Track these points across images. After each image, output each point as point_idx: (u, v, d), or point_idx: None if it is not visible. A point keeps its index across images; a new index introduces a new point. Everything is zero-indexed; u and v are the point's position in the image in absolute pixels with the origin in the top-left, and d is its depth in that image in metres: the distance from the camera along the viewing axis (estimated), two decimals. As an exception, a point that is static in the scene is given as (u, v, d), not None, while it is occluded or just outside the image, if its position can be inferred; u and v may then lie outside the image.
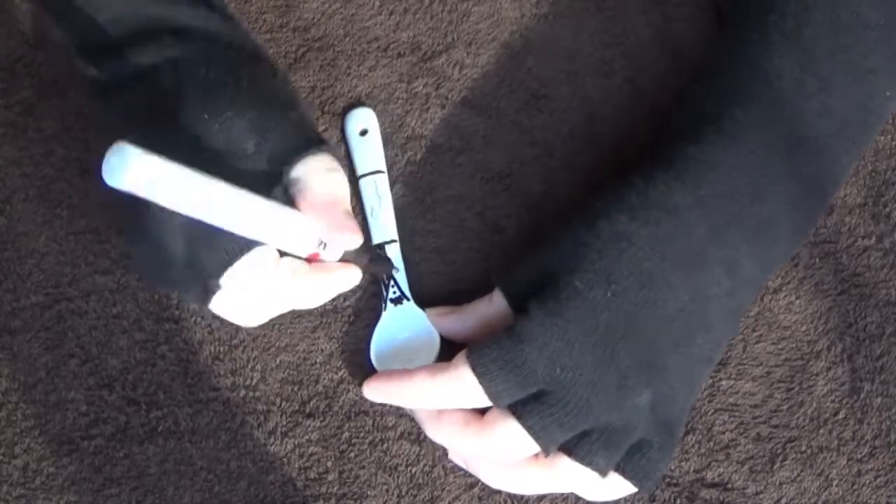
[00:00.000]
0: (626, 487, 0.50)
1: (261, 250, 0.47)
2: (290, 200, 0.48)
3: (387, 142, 0.58)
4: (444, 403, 0.50)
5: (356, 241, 0.50)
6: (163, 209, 0.43)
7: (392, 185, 0.57)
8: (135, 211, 0.47)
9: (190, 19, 0.50)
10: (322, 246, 0.49)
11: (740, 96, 0.51)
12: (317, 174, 0.49)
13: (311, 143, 0.50)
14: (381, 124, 0.58)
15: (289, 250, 0.48)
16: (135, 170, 0.40)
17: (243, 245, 0.47)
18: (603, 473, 0.49)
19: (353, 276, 0.51)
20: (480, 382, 0.48)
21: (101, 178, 0.41)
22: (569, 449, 0.49)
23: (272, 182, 0.48)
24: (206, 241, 0.46)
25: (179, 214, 0.44)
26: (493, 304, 0.52)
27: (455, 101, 0.58)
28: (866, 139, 0.53)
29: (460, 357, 0.49)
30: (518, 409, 0.48)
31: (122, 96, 0.49)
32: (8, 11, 0.59)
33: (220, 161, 0.47)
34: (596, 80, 0.59)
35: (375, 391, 0.52)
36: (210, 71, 0.49)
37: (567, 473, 0.49)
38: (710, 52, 0.56)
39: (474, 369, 0.48)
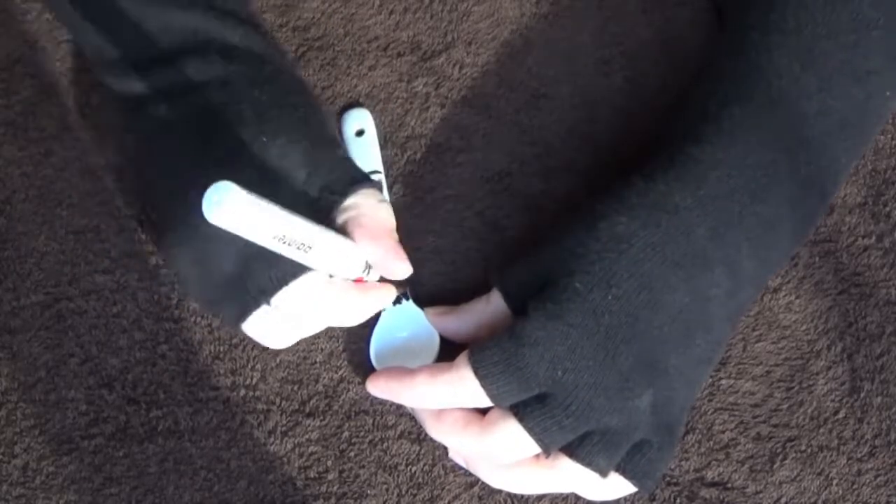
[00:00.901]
0: (626, 487, 0.50)
1: (314, 273, 0.49)
2: (340, 230, 0.50)
3: (386, 141, 0.58)
4: (446, 403, 0.50)
5: (409, 270, 0.52)
6: (224, 234, 0.44)
7: (392, 184, 0.57)
8: (189, 230, 0.48)
9: (238, 38, 0.52)
10: (367, 271, 0.51)
11: (740, 96, 0.51)
12: (370, 205, 0.51)
13: (360, 176, 0.52)
14: (381, 124, 0.58)
15: (339, 275, 0.50)
16: (234, 208, 0.42)
17: (297, 268, 0.48)
18: (604, 474, 0.49)
19: (390, 294, 0.53)
20: (482, 384, 0.48)
21: (191, 201, 0.43)
22: (570, 450, 0.49)
23: (319, 212, 0.50)
24: (260, 262, 0.48)
25: (240, 240, 0.45)
26: (492, 304, 0.52)
27: (455, 101, 0.58)
28: (866, 139, 0.53)
29: (462, 358, 0.49)
30: (519, 411, 0.48)
31: (173, 108, 0.50)
32: (8, 11, 0.59)
33: (278, 185, 0.49)
34: (596, 80, 0.59)
35: (378, 387, 0.52)
36: (262, 94, 0.51)
37: (568, 474, 0.49)
38: (709, 51, 0.56)
39: (476, 371, 0.48)
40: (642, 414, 0.48)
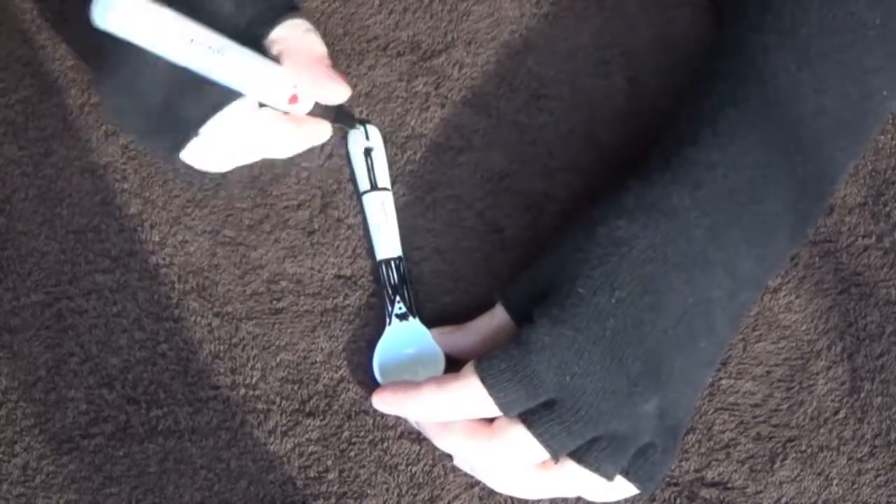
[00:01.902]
0: (628, 489, 0.50)
1: (241, 101, 0.50)
2: (273, 59, 0.51)
3: (386, 141, 0.58)
4: (453, 414, 0.50)
5: (345, 91, 0.53)
6: (145, 56, 0.45)
7: (392, 184, 0.57)
8: (116, 56, 0.48)
9: None
10: (294, 100, 0.51)
11: (736, 97, 0.51)
12: (297, 34, 0.52)
13: (287, 6, 0.52)
14: (381, 124, 0.58)
15: (267, 100, 0.50)
16: (123, 9, 0.42)
17: (225, 96, 0.49)
18: (610, 479, 0.49)
19: (324, 130, 0.54)
20: (490, 393, 0.48)
21: (86, 19, 0.42)
22: (578, 456, 0.49)
23: (249, 43, 0.50)
24: (187, 91, 0.49)
25: (162, 63, 0.46)
26: (496, 319, 0.52)
27: (455, 101, 0.58)
28: (864, 139, 0.53)
29: (469, 368, 0.49)
30: (528, 418, 0.48)
31: None
32: (8, 11, 0.59)
33: (199, 16, 0.49)
34: (596, 80, 0.59)
35: (385, 400, 0.52)
36: None
37: (575, 479, 0.49)
38: (707, 52, 0.56)
39: (483, 380, 0.48)
40: (649, 418, 0.48)
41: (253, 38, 0.51)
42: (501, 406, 0.48)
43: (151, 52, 0.46)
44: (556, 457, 0.49)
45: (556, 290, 0.49)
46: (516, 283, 0.52)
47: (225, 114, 0.50)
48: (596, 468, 0.48)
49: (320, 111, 0.54)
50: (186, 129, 0.50)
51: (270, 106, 0.52)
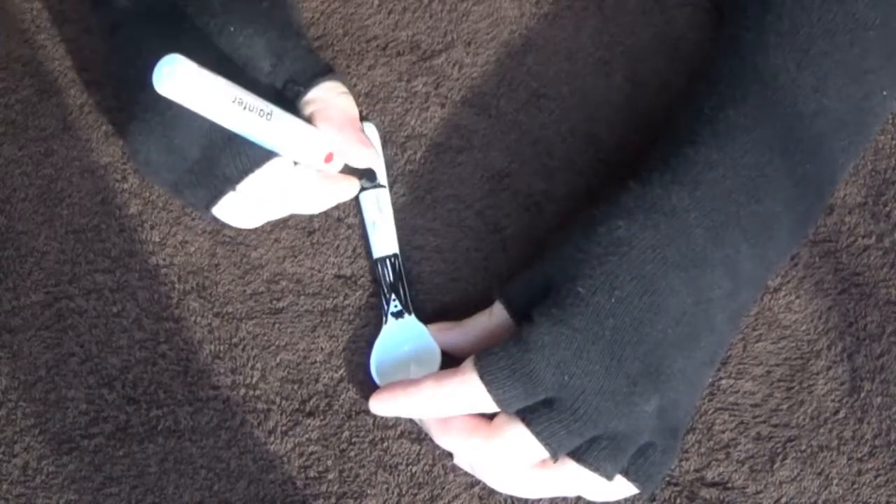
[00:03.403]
0: (628, 489, 0.50)
1: (278, 159, 0.51)
2: (306, 119, 0.52)
3: (386, 141, 0.58)
4: (452, 410, 0.50)
5: (374, 156, 0.54)
6: (184, 112, 0.47)
7: (392, 184, 0.57)
8: (154, 111, 0.50)
9: None
10: (329, 160, 0.53)
11: (736, 96, 0.51)
12: (334, 96, 0.53)
13: (324, 68, 0.53)
14: (381, 123, 0.58)
15: (303, 161, 0.52)
16: (183, 78, 0.44)
17: (263, 154, 0.50)
18: (610, 478, 0.49)
19: (353, 186, 0.55)
20: (489, 390, 0.48)
21: (148, 82, 0.45)
22: (577, 455, 0.49)
23: (284, 101, 0.51)
24: (225, 148, 0.50)
25: (200, 119, 0.47)
26: (494, 317, 0.52)
27: (455, 101, 0.58)
28: (864, 139, 0.53)
29: (468, 364, 0.49)
30: (527, 416, 0.48)
31: (149, 17, 0.52)
32: (8, 11, 0.59)
33: (242, 74, 0.50)
34: (596, 80, 0.59)
35: (382, 404, 0.52)
36: None
37: (574, 478, 0.49)
38: (707, 52, 0.56)
39: (482, 377, 0.48)
40: (649, 418, 0.48)
41: (288, 98, 0.52)
42: (500, 403, 0.48)
43: (192, 113, 0.47)
44: (555, 456, 0.49)
45: (556, 289, 0.49)
46: (516, 281, 0.52)
47: (263, 171, 0.51)
48: (595, 467, 0.48)
49: (348, 168, 0.55)
50: (223, 185, 0.51)
51: (304, 164, 0.53)
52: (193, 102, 0.45)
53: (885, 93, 0.52)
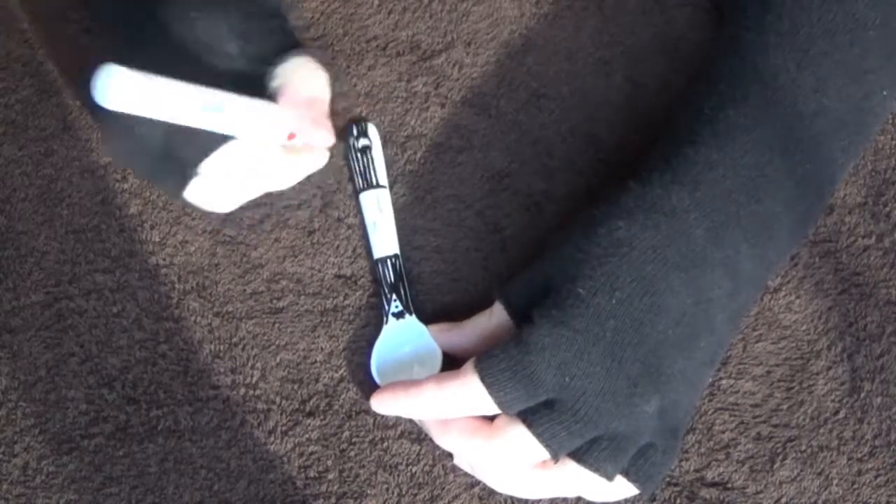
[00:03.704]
0: (628, 489, 0.50)
1: (235, 142, 0.50)
2: (272, 99, 0.51)
3: (386, 141, 0.58)
4: (453, 412, 0.50)
5: (330, 139, 0.53)
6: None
7: (392, 184, 0.57)
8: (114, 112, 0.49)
9: None
10: (291, 137, 0.52)
11: (735, 97, 0.51)
12: (297, 75, 0.52)
13: (291, 46, 0.53)
14: (381, 123, 0.58)
15: (264, 140, 0.51)
16: (122, 91, 0.43)
17: (220, 137, 0.50)
18: (610, 479, 0.49)
19: (320, 156, 0.54)
20: (489, 392, 0.48)
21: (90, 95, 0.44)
22: (578, 456, 0.49)
23: (254, 82, 0.51)
24: (183, 135, 0.49)
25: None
26: (494, 318, 0.52)
27: (455, 101, 0.58)
28: (864, 139, 0.53)
29: (468, 366, 0.49)
30: (528, 417, 0.48)
31: (112, 8, 0.52)
32: (8, 11, 0.59)
33: (201, 59, 0.50)
34: (596, 80, 0.59)
35: (383, 404, 0.52)
36: None
37: (574, 478, 0.49)
38: (707, 52, 0.56)
39: (483, 379, 0.48)
40: (649, 419, 0.48)
41: (257, 76, 0.52)
42: (500, 405, 0.48)
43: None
44: (555, 456, 0.49)
45: (557, 290, 0.49)
46: (516, 282, 0.52)
47: (220, 153, 0.51)
48: (596, 468, 0.48)
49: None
50: (186, 170, 0.51)
51: (268, 143, 0.52)
52: (139, 109, 0.44)
53: (885, 93, 0.52)
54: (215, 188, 0.52)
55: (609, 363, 0.47)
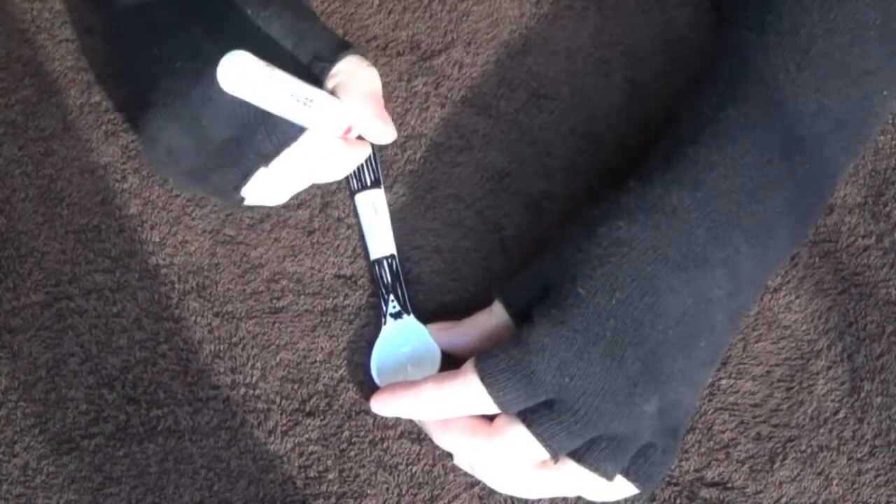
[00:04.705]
0: (628, 489, 0.50)
1: (310, 133, 0.51)
2: (330, 93, 0.53)
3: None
4: (453, 412, 0.50)
5: (393, 133, 0.55)
6: (213, 96, 0.49)
7: (392, 184, 0.57)
8: (180, 94, 0.50)
9: None
10: (348, 131, 0.54)
11: (735, 97, 0.51)
12: (357, 70, 0.53)
13: (344, 45, 0.54)
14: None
15: (330, 133, 0.53)
16: (245, 75, 0.46)
17: (295, 130, 0.51)
18: (610, 479, 0.49)
19: (366, 149, 0.55)
20: (489, 392, 0.48)
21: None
22: (578, 455, 0.49)
23: (311, 77, 0.52)
24: (256, 127, 0.50)
25: (229, 101, 0.49)
26: (494, 317, 0.52)
27: (455, 101, 0.58)
28: (864, 138, 0.53)
29: (468, 366, 0.49)
30: (527, 417, 0.48)
31: (160, 6, 0.52)
32: (8, 11, 0.59)
33: (273, 54, 0.51)
34: (596, 80, 0.59)
35: (383, 405, 0.52)
36: None
37: (574, 478, 0.49)
38: (707, 52, 0.56)
39: (483, 379, 0.48)
40: (649, 419, 0.48)
41: (317, 72, 0.52)
42: (500, 404, 0.48)
43: (219, 93, 0.49)
44: (555, 456, 0.49)
45: (556, 290, 0.49)
46: (515, 282, 0.52)
47: (298, 145, 0.51)
48: (595, 468, 0.48)
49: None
50: (256, 163, 0.51)
51: (328, 136, 0.53)
52: (254, 96, 0.47)
53: (885, 93, 0.52)
54: (277, 182, 0.53)
55: (609, 363, 0.47)
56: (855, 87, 0.51)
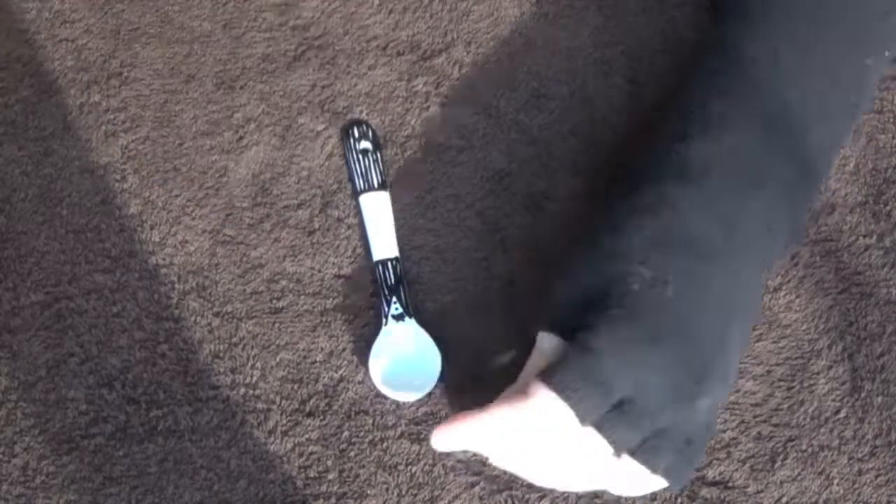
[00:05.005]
0: (658, 483, 0.49)
1: None
2: None
3: (386, 141, 0.58)
4: (528, 434, 0.48)
5: None
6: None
7: (392, 184, 0.57)
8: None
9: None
10: None
11: (721, 89, 0.51)
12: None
13: None
14: (381, 123, 0.58)
15: None
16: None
17: None
18: (656, 472, 0.48)
19: None
20: (570, 405, 0.46)
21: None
22: (633, 451, 0.48)
23: None
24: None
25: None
26: (544, 351, 0.50)
27: (455, 101, 0.58)
28: (852, 112, 0.53)
29: (538, 386, 0.47)
30: (598, 420, 0.47)
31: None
32: (8, 11, 0.59)
33: None
34: (596, 80, 0.59)
35: (446, 440, 0.49)
36: None
37: (620, 471, 0.48)
38: (696, 48, 0.56)
39: (560, 392, 0.46)
40: (700, 414, 0.48)
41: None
42: (580, 416, 0.47)
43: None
44: (619, 453, 0.48)
45: (605, 293, 0.48)
46: (549, 307, 0.51)
47: None
48: (646, 462, 0.48)
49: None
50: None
51: None
52: None
53: (867, 61, 0.52)
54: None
55: (670, 359, 0.47)
56: (839, 63, 0.51)
